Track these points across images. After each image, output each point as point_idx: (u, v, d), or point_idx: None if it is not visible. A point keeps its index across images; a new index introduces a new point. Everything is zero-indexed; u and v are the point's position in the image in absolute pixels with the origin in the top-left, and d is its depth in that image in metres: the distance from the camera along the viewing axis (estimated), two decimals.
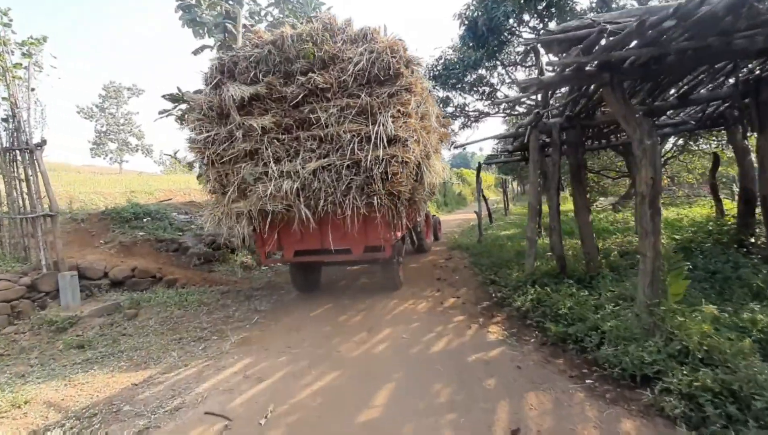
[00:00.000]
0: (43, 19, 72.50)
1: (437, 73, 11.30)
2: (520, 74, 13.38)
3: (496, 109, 13.25)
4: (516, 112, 13.63)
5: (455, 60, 10.97)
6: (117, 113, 37.25)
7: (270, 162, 4.95)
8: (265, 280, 7.73)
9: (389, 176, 4.68)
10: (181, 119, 9.48)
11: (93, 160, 36.26)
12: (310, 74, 5.06)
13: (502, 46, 9.90)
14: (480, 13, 8.44)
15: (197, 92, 9.27)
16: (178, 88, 9.22)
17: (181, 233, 9.07)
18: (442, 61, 11.59)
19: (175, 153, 16.35)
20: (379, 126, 4.66)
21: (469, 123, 13.43)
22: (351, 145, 4.75)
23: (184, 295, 6.59)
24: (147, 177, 23.45)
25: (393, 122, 4.69)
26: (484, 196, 11.77)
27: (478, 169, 10.34)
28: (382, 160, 4.63)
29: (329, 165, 4.83)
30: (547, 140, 5.66)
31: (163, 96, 9.27)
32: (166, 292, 6.80)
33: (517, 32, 10.53)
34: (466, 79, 11.25)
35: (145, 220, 9.33)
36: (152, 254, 8.40)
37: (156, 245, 8.60)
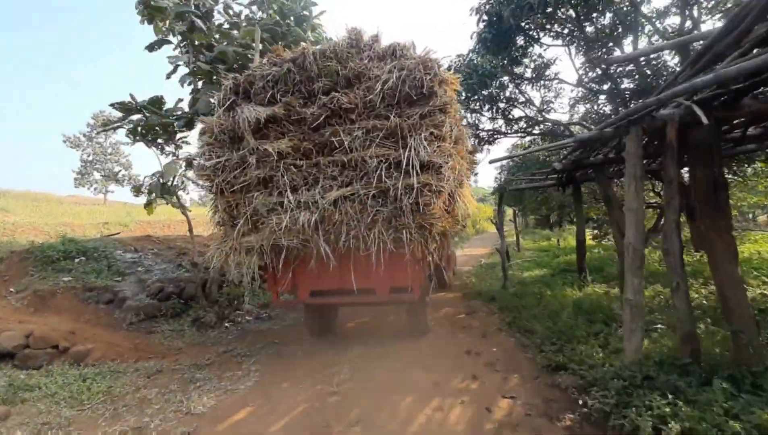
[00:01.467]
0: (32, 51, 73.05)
1: None
2: (535, 93, 11.91)
3: (511, 129, 11.56)
4: (535, 132, 11.93)
5: (468, 71, 9.36)
6: (105, 143, 35.77)
7: (286, 190, 4.48)
8: (221, 349, 5.51)
9: (421, 207, 4.15)
10: (133, 133, 7.61)
11: (77, 190, 34.40)
12: (333, 94, 4.67)
13: (527, 49, 8.27)
14: (506, 4, 6.80)
15: (154, 99, 7.48)
16: (131, 96, 7.41)
17: (120, 278, 6.94)
18: (451, 72, 10.06)
19: (116, 175, 14.55)
20: (410, 150, 4.22)
21: (480, 145, 11.71)
22: (378, 172, 4.28)
23: (91, 378, 4.40)
24: (131, 207, 21.65)
25: (426, 146, 4.25)
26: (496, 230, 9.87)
27: (501, 198, 8.44)
28: (413, 188, 4.13)
29: (352, 194, 4.33)
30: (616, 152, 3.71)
31: (112, 105, 7.43)
32: (67, 372, 4.61)
33: (540, 37, 8.98)
34: (481, 93, 9.56)
35: (77, 260, 7.22)
36: (75, 308, 6.24)
37: (83, 295, 6.46)
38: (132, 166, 36.06)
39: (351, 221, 4.25)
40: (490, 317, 6.29)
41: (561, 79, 10.92)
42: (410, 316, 5.42)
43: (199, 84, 7.73)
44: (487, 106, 10.17)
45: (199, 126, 5.12)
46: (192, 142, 15.67)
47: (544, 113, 11.35)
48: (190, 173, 8.39)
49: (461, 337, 5.36)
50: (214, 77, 7.10)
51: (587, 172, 6.42)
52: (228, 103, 4.98)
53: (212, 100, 7.66)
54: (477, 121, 11.10)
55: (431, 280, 5.64)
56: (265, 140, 4.71)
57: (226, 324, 6.58)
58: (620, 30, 8.55)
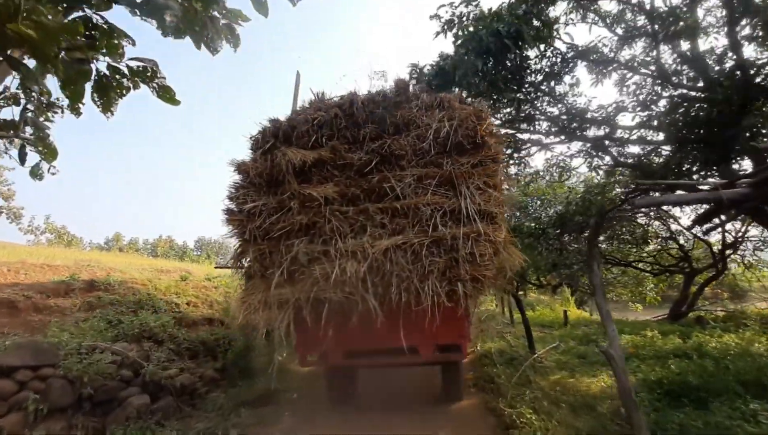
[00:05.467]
0: None
1: (441, 68, 7.03)
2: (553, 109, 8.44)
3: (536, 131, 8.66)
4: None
5: (487, 26, 6.25)
6: None
7: (335, 238, 4.27)
8: None
9: (476, 258, 4.07)
10: None
11: None
12: (382, 139, 4.73)
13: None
14: None
15: None
16: None
17: None
18: (460, 40, 6.92)
19: None
20: (467, 199, 4.30)
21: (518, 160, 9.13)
22: (432, 221, 4.23)
23: None
24: (5, 245, 15.29)
25: (480, 195, 4.38)
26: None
27: (596, 230, 5.00)
28: (469, 238, 4.11)
29: (404, 243, 4.13)
30: None
31: None
32: None
33: None
34: (504, 65, 6.50)
35: None
36: None
37: None
38: (15, 197, 26.38)
39: (402, 272, 4.06)
40: None
41: (616, 62, 7.85)
42: (445, 378, 5.23)
43: None
44: (510, 95, 7.21)
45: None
46: None
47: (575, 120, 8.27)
48: None
49: None
50: None
51: None
52: (267, 145, 4.89)
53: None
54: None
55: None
56: (308, 184, 4.63)
57: None
58: None
